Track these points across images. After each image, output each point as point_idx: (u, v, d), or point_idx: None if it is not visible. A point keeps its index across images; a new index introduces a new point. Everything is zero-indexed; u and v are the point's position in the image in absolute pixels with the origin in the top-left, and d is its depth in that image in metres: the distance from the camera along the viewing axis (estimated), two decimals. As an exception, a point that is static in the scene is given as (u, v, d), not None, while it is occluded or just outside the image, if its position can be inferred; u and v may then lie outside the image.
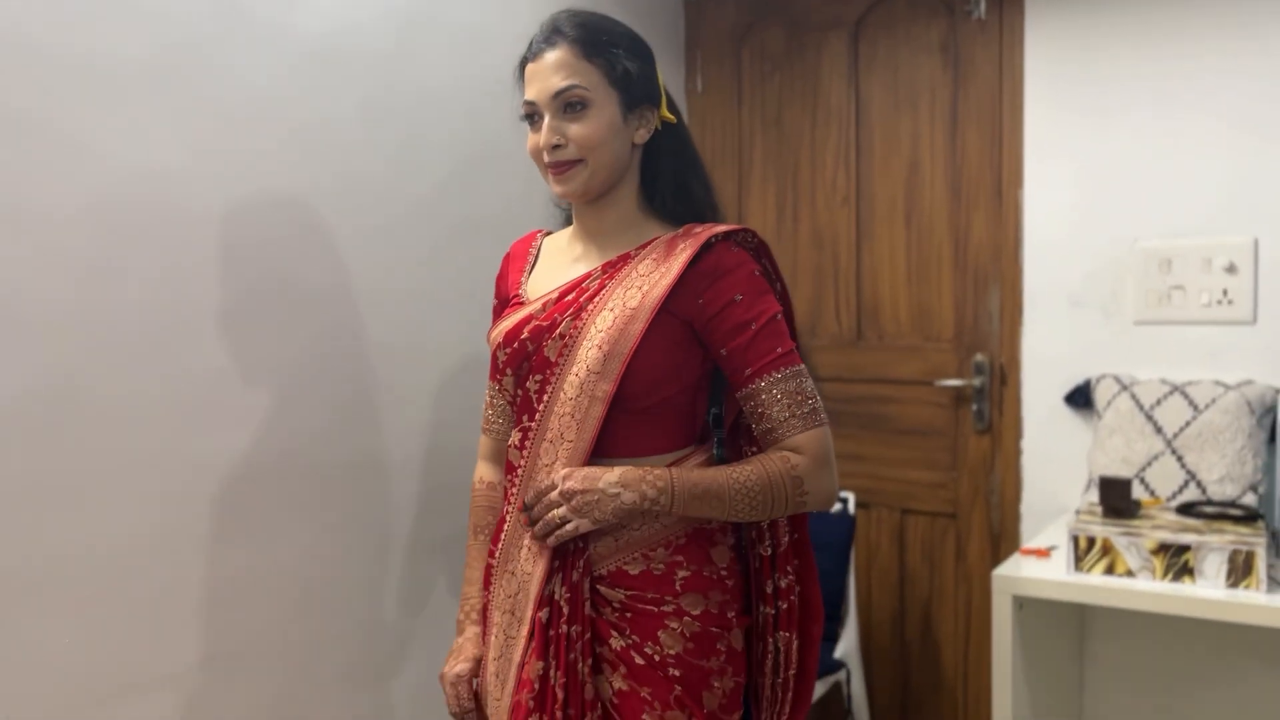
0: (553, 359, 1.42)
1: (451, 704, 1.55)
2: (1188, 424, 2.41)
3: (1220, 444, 2.36)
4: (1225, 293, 2.50)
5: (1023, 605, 2.18)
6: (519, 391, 1.47)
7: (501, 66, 2.50)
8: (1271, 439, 2.39)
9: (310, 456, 2.07)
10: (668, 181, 1.49)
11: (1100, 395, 2.58)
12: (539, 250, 1.59)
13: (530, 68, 1.45)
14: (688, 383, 1.44)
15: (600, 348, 1.38)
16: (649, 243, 1.45)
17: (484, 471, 1.64)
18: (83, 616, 1.70)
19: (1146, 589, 2.04)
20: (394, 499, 2.26)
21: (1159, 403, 2.47)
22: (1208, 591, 2.00)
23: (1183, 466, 2.39)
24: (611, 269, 1.44)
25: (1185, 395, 2.44)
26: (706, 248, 1.41)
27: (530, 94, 1.44)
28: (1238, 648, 2.46)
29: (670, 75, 3.11)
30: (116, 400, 1.74)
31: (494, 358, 1.50)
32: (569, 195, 1.45)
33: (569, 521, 1.35)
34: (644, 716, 1.37)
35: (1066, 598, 2.11)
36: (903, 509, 2.95)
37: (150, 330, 1.79)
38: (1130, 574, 2.08)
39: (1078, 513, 2.52)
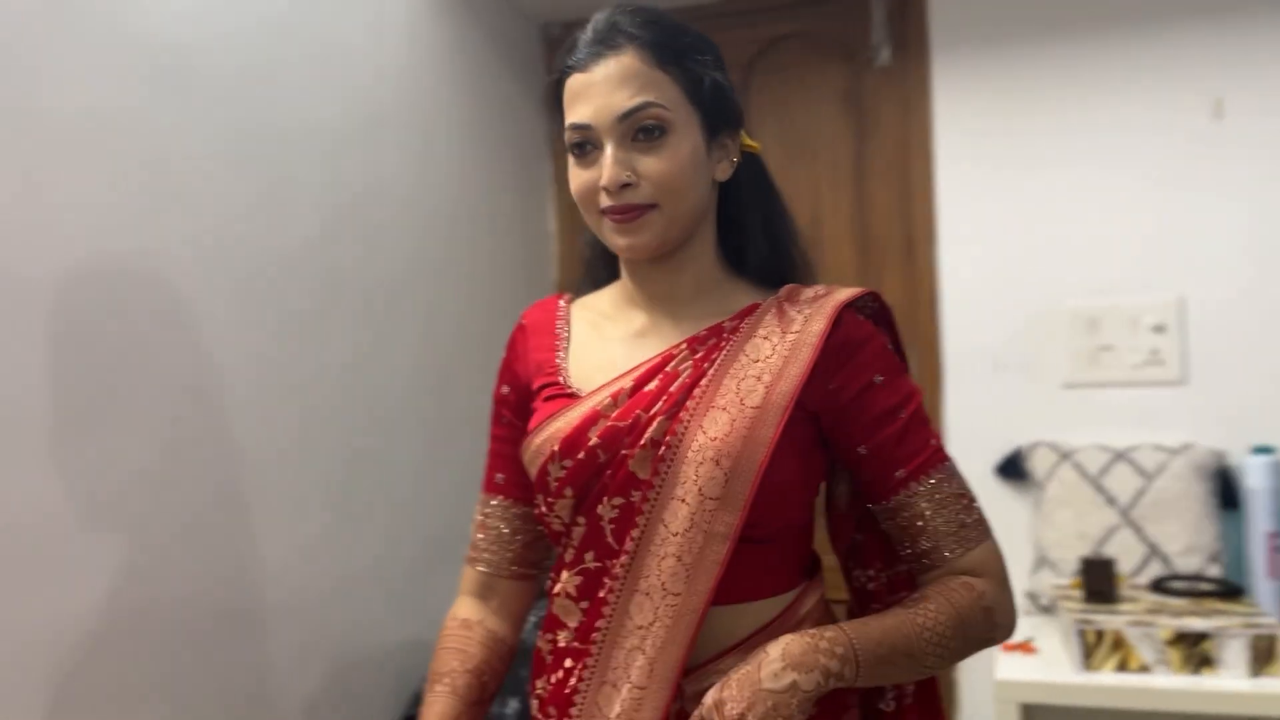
0: (643, 476, 1.01)
1: None
2: (1141, 493, 2.27)
3: (1179, 512, 2.23)
4: (1155, 352, 2.41)
5: (1030, 713, 1.92)
6: (580, 519, 1.04)
7: (374, 92, 2.06)
8: (1224, 504, 2.29)
9: (162, 608, 1.51)
10: (756, 230, 1.13)
11: (1037, 465, 2.40)
12: (569, 320, 1.17)
13: (579, 80, 1.05)
14: (811, 496, 1.09)
15: (718, 463, 0.99)
16: (745, 312, 1.08)
17: (462, 608, 1.20)
18: None
19: (1166, 686, 1.83)
20: (270, 654, 1.71)
21: (1105, 471, 2.32)
22: (1232, 683, 1.82)
23: (1142, 539, 2.24)
24: (703, 347, 1.06)
25: (1131, 462, 2.31)
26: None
27: (583, 115, 1.04)
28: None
29: (529, 118, 2.73)
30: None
31: (541, 472, 1.06)
32: (637, 250, 1.06)
33: None
34: None
35: (1084, 702, 1.87)
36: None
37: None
38: (1145, 669, 1.87)
39: (1029, 595, 2.32)
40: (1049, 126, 2.47)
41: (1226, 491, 2.30)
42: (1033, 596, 2.32)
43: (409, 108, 2.18)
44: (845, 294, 1.09)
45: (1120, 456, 2.32)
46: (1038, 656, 2.02)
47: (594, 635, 1.02)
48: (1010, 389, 2.51)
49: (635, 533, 1.01)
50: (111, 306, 1.44)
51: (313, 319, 1.85)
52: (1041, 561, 2.33)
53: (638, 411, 1.03)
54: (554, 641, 1.08)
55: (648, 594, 1.00)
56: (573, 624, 1.06)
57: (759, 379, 1.02)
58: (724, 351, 1.05)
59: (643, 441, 1.01)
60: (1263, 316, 2.32)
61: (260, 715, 1.68)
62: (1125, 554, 2.24)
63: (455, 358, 2.31)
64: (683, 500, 1.00)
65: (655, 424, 1.02)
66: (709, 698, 0.95)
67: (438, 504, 2.21)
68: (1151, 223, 2.40)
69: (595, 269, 1.21)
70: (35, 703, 1.30)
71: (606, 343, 1.12)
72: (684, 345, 1.07)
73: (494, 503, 1.19)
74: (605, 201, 1.04)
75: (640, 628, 1.00)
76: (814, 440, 1.06)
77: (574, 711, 1.03)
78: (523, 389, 1.16)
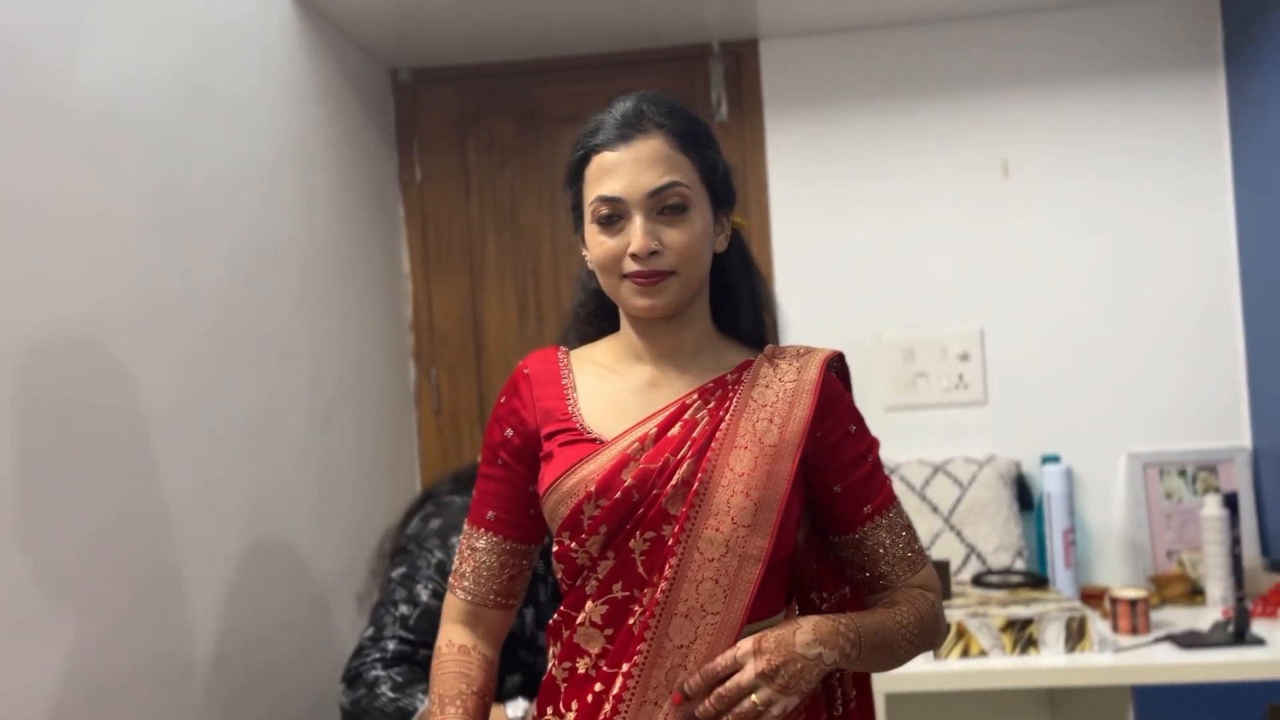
0: (674, 512, 1.16)
1: None
2: (959, 501, 2.61)
3: (989, 516, 2.59)
4: (961, 377, 2.77)
5: (893, 701, 2.18)
6: (609, 553, 1.18)
7: (268, 147, 2.08)
8: (1022, 506, 2.66)
9: (98, 665, 1.50)
10: (745, 297, 1.31)
11: (869, 480, 2.70)
12: (571, 370, 1.30)
13: (609, 158, 1.19)
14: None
15: (748, 495, 1.16)
16: (742, 367, 1.26)
17: (454, 634, 1.30)
18: None
19: (1002, 666, 2.15)
20: (197, 709, 1.71)
21: (928, 483, 2.65)
22: (1053, 660, 2.15)
23: (962, 541, 2.58)
24: (713, 398, 1.23)
25: (948, 474, 2.65)
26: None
27: (614, 189, 1.18)
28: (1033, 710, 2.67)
29: (381, 163, 2.79)
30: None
31: (575, 511, 1.18)
32: (656, 310, 1.21)
33: (775, 703, 1.10)
34: None
35: (941, 687, 2.15)
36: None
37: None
38: (984, 654, 2.18)
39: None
40: (868, 179, 2.79)
41: (1023, 495, 2.69)
42: (872, 597, 2.61)
43: (292, 155, 2.20)
44: (825, 352, 1.27)
45: (939, 469, 2.66)
46: (890, 650, 2.29)
47: (635, 658, 1.15)
48: (841, 413, 2.80)
49: (674, 560, 1.15)
50: (59, 375, 1.43)
51: (235, 373, 1.86)
52: (878, 566, 2.63)
53: (666, 455, 1.17)
54: (572, 669, 1.20)
55: (687, 616, 1.15)
56: (595, 650, 1.18)
57: (770, 421, 1.19)
58: (733, 400, 1.21)
59: (674, 481, 1.16)
60: (1047, 344, 2.73)
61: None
62: (950, 554, 2.57)
63: (337, 400, 2.34)
64: (717, 529, 1.15)
65: (684, 465, 1.17)
66: (746, 644, 1.11)
67: (332, 548, 2.24)
68: (955, 264, 2.77)
69: (584, 326, 1.35)
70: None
71: (615, 392, 1.25)
72: (695, 395, 1.22)
73: (484, 538, 1.28)
74: (631, 267, 1.18)
75: (680, 647, 1.14)
76: (803, 477, 1.25)
77: None
78: (530, 435, 1.26)
